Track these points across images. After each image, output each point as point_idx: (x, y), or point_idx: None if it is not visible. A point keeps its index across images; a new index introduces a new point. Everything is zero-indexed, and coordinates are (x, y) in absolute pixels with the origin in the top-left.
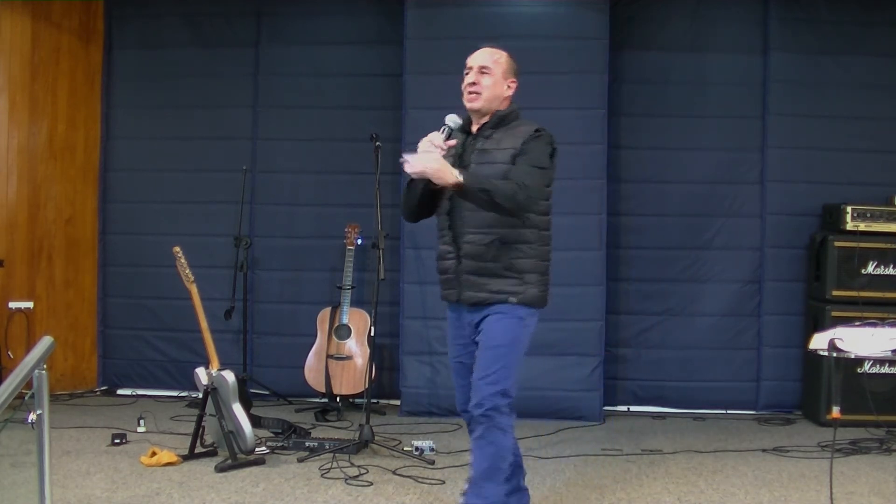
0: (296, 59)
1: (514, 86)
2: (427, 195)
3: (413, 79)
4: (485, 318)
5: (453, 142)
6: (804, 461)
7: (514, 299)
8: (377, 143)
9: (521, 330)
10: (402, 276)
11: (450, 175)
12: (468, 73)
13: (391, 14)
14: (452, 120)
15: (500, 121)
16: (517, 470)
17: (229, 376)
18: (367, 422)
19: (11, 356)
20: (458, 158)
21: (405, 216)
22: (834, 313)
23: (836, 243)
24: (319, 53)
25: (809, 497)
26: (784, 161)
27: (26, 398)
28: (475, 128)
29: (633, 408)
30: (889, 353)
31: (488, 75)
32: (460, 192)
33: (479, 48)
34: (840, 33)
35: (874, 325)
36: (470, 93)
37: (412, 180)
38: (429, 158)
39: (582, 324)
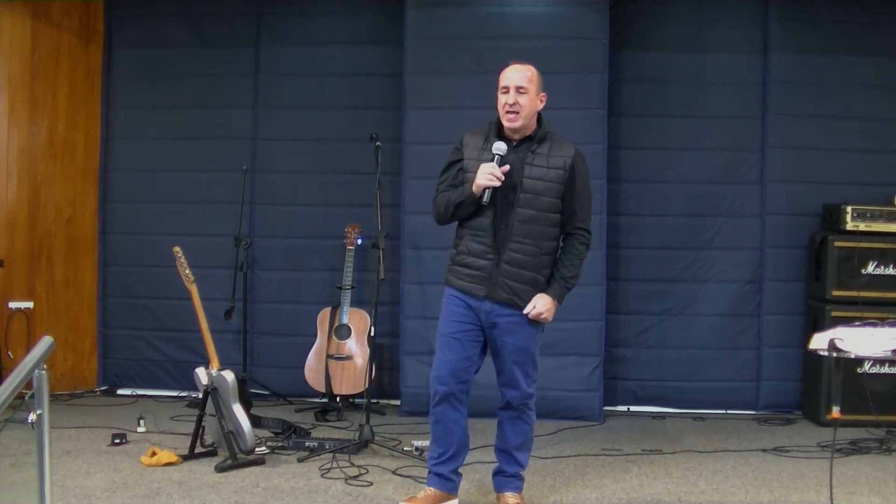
0: (296, 59)
1: (545, 99)
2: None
3: (413, 79)
4: (508, 316)
5: (506, 167)
6: (804, 461)
7: None
8: (377, 143)
9: (542, 327)
10: (402, 276)
11: (553, 310)
12: (505, 93)
13: (391, 14)
14: (501, 148)
15: (544, 136)
16: (464, 450)
17: (229, 376)
18: (367, 422)
19: (11, 356)
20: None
21: (443, 220)
22: (834, 313)
23: (836, 243)
24: (319, 53)
25: (809, 497)
26: (784, 161)
27: (26, 398)
28: (515, 139)
29: (633, 408)
30: (889, 353)
31: (525, 94)
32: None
33: (514, 64)
34: (840, 33)
35: (874, 325)
36: (509, 112)
37: (463, 202)
38: (544, 319)
39: (582, 324)
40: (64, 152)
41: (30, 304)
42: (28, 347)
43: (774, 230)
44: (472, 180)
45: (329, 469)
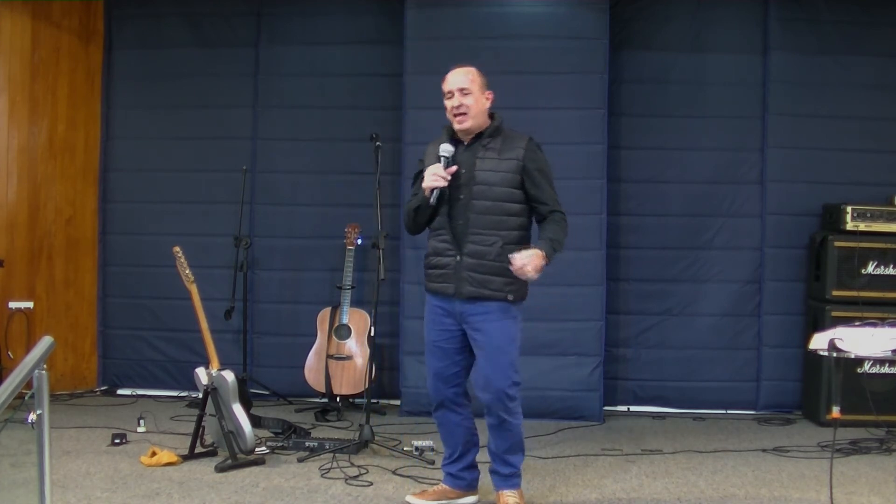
0: (296, 59)
1: (491, 96)
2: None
3: (413, 79)
4: (480, 313)
5: (453, 168)
6: (804, 461)
7: (511, 297)
8: (377, 143)
9: (517, 325)
10: (402, 276)
11: (540, 261)
12: (449, 98)
13: (391, 14)
14: (447, 150)
15: (495, 131)
16: (473, 448)
17: (229, 376)
18: (367, 422)
19: (11, 356)
20: (458, 171)
21: (410, 229)
22: (834, 313)
23: (836, 243)
24: (319, 53)
25: (809, 497)
26: (784, 161)
27: (26, 398)
28: (467, 139)
29: (633, 408)
30: (889, 353)
31: (469, 95)
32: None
33: (455, 69)
34: (840, 33)
35: (874, 325)
36: (457, 115)
37: (420, 206)
38: (532, 268)
39: (582, 324)
40: (64, 152)
41: (30, 304)
42: (28, 347)
43: (774, 230)
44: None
45: (329, 469)
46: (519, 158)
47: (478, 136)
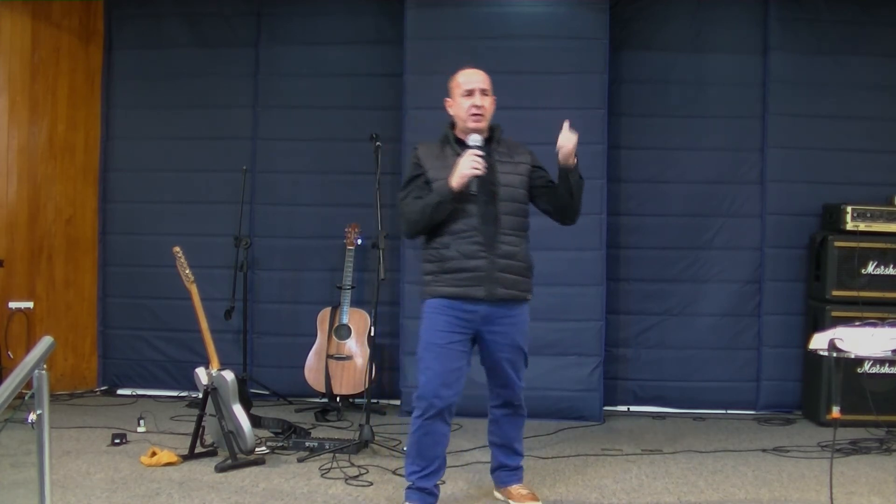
0: (296, 59)
1: (494, 102)
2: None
3: (413, 79)
4: (509, 315)
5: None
6: (804, 461)
7: (529, 296)
8: (377, 143)
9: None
10: (402, 276)
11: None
12: (470, 95)
13: (391, 14)
14: (478, 140)
15: (500, 138)
16: (444, 463)
17: (229, 376)
18: (367, 422)
19: (11, 356)
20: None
21: (418, 228)
22: (834, 313)
23: (836, 243)
24: (319, 53)
25: (809, 497)
26: (784, 161)
27: (26, 398)
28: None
29: (633, 408)
30: (889, 353)
31: (488, 97)
32: (572, 169)
33: (467, 69)
34: (840, 33)
35: (874, 325)
36: (475, 114)
37: (441, 202)
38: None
39: (582, 324)
40: (64, 152)
41: (30, 304)
42: (28, 347)
43: (774, 230)
44: (446, 180)
45: (329, 469)
46: (528, 163)
47: (486, 140)
